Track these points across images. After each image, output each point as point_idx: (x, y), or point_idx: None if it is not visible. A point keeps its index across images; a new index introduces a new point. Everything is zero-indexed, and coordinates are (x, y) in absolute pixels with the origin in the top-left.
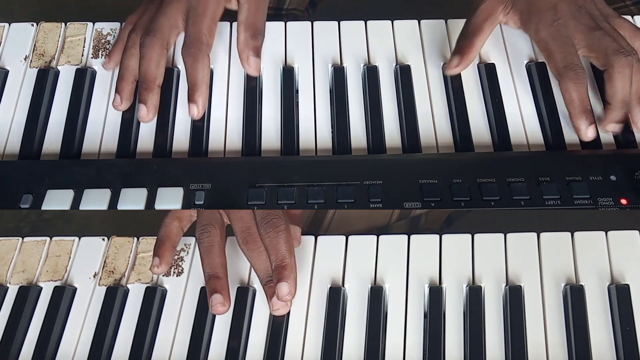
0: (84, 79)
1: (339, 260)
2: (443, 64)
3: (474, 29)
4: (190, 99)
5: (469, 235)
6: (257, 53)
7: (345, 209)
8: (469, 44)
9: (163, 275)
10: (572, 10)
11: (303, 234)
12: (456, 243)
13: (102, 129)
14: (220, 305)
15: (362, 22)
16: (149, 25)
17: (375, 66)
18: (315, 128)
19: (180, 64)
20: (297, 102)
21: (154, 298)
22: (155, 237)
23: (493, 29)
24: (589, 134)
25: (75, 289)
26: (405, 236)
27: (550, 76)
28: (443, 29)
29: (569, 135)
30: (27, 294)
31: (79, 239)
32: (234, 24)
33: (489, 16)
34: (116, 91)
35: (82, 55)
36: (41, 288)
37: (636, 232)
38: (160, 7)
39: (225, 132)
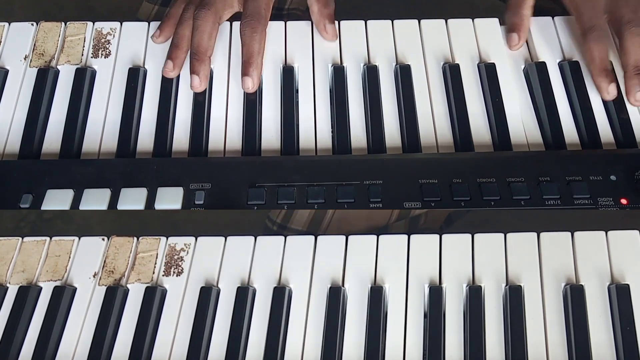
0: (83, 79)
1: (339, 260)
2: (443, 64)
3: (517, 2)
4: (245, 72)
5: (469, 235)
6: (332, 20)
7: (345, 209)
8: (519, 17)
9: (163, 275)
10: None
11: (303, 233)
12: (456, 243)
13: (102, 128)
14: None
15: (362, 22)
16: (204, 1)
17: (375, 66)
18: (315, 128)
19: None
20: (297, 102)
21: (153, 298)
22: (156, 238)
23: None
24: (610, 90)
25: (75, 288)
26: (405, 236)
27: (551, 75)
28: (443, 29)
29: (569, 135)
30: (27, 294)
31: (79, 239)
32: (234, 24)
33: None
34: (169, 58)
35: (82, 54)
36: (41, 288)
37: (636, 232)
38: None
39: (225, 132)
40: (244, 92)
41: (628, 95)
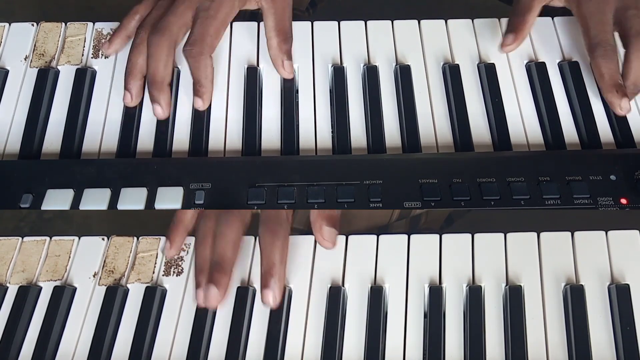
0: (84, 79)
1: (339, 260)
2: (443, 64)
3: (525, 6)
4: (195, 93)
5: (469, 235)
6: (290, 56)
7: (345, 208)
8: (522, 21)
9: (163, 275)
10: None
11: (303, 233)
12: (456, 243)
13: (102, 128)
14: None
15: (362, 22)
16: (158, 23)
17: (375, 66)
18: (315, 128)
19: (181, 64)
20: (297, 102)
21: (153, 298)
22: (155, 237)
23: (542, 5)
24: (622, 104)
25: (75, 288)
26: (405, 236)
27: (551, 76)
28: (443, 29)
29: (569, 135)
30: (27, 294)
31: (79, 238)
32: (234, 24)
33: None
34: (126, 88)
35: (82, 55)
36: (41, 288)
37: (636, 232)
38: (171, 5)
39: (225, 132)
40: (244, 92)
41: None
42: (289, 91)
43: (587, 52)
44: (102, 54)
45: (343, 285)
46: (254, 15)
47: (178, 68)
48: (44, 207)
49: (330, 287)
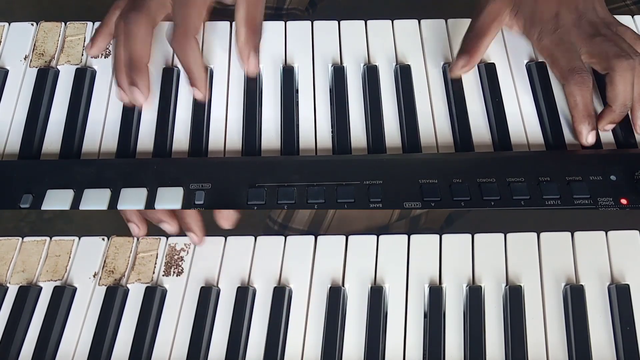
0: (84, 79)
1: (339, 260)
2: (443, 64)
3: (480, 30)
4: (191, 84)
5: (469, 235)
6: (257, 51)
7: (345, 209)
8: (475, 45)
9: (163, 275)
10: (574, 18)
11: (303, 233)
12: (456, 243)
13: (102, 128)
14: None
15: (362, 22)
16: (135, 3)
17: (375, 66)
18: (315, 128)
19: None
20: (297, 102)
21: (153, 298)
22: (155, 238)
23: (499, 31)
24: (589, 139)
25: (75, 288)
26: (405, 236)
27: (551, 76)
28: (443, 29)
29: (569, 135)
30: (27, 294)
31: (79, 238)
32: (234, 24)
33: (495, 18)
34: (117, 84)
35: (82, 54)
36: (41, 288)
37: (636, 232)
38: None
39: (225, 132)
40: (244, 92)
41: (637, 129)
42: (289, 91)
43: (560, 80)
44: (102, 54)
45: (343, 285)
46: None
47: (177, 68)
48: (44, 207)
49: (330, 287)
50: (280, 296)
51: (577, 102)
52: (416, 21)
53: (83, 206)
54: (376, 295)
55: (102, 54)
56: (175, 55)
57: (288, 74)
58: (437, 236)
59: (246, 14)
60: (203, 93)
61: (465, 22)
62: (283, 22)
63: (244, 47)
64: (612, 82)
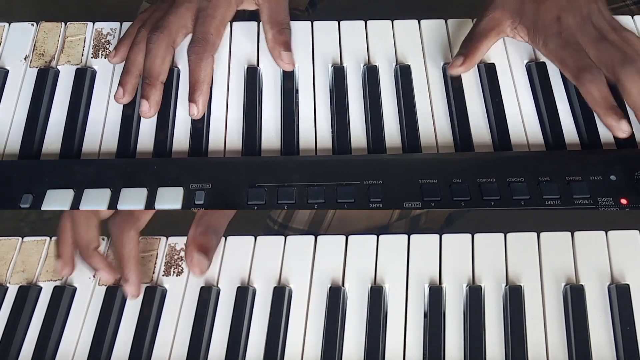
0: (84, 79)
1: (339, 260)
2: (443, 63)
3: (480, 34)
4: (191, 98)
5: (469, 235)
6: (288, 47)
7: (345, 209)
8: (474, 47)
9: (163, 275)
10: (578, 21)
11: (303, 233)
12: (456, 243)
13: (102, 128)
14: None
15: (362, 22)
16: (158, 22)
17: (375, 66)
18: (315, 128)
19: (181, 64)
20: (297, 102)
21: (154, 298)
22: (155, 237)
23: (499, 39)
24: (622, 127)
25: (75, 288)
26: (405, 236)
27: (551, 76)
28: (443, 29)
29: (569, 135)
30: (27, 294)
31: None
32: (234, 24)
33: (495, 26)
34: (119, 84)
35: (82, 55)
36: (41, 288)
37: (636, 232)
38: (171, 6)
39: (225, 132)
40: (244, 92)
41: None
42: (289, 91)
43: (573, 82)
44: (102, 54)
45: (343, 285)
46: (254, 15)
47: (178, 68)
48: (44, 207)
49: (330, 287)
50: (280, 296)
51: (595, 98)
52: (416, 21)
53: (83, 206)
54: (376, 295)
55: (102, 54)
56: (175, 56)
57: (288, 74)
58: (437, 236)
59: (270, 14)
60: (201, 110)
61: (465, 22)
62: None
63: (274, 46)
64: (625, 90)
